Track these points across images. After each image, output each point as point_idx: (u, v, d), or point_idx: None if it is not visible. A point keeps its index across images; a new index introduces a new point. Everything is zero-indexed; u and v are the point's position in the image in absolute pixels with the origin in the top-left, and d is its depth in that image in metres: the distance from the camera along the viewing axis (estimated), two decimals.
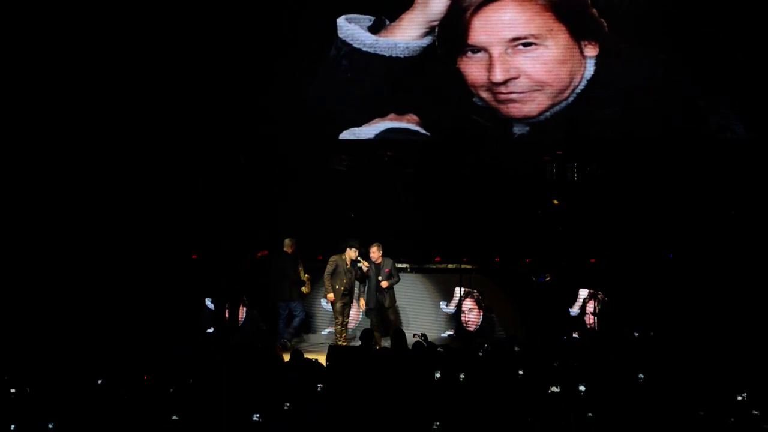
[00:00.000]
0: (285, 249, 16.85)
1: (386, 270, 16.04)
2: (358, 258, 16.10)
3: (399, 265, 16.72)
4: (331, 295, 15.95)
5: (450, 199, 18.90)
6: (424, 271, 17.38)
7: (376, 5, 20.26)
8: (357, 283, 16.35)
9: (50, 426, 9.03)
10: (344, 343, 15.81)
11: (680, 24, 18.75)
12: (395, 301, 16.31)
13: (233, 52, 19.41)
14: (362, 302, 16.40)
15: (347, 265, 15.99)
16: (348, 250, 16.09)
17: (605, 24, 19.62)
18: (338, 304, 15.97)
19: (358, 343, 14.37)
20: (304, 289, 16.84)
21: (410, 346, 13.12)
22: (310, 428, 8.74)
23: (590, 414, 9.53)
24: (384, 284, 15.97)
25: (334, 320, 16.32)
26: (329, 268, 15.98)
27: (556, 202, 15.78)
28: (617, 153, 19.21)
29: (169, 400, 10.18)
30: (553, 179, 18.92)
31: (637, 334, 14.89)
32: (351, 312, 16.76)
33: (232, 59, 19.33)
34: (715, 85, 19.06)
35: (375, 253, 16.13)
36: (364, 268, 16.10)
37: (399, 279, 16.30)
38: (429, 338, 15.67)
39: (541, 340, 14.95)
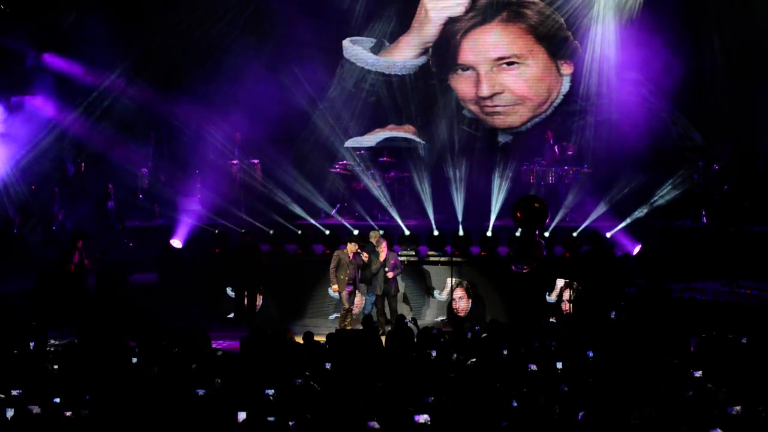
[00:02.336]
0: (371, 240, 16.50)
1: (391, 262, 15.96)
2: (358, 250, 15.99)
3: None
4: (335, 287, 15.81)
5: (444, 199, 18.95)
6: (420, 263, 17.31)
7: (377, 29, 20.36)
8: (360, 272, 16.25)
9: (88, 397, 9.03)
10: (350, 327, 15.75)
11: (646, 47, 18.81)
12: (399, 290, 16.27)
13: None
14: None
15: (349, 257, 15.88)
16: (348, 244, 15.97)
17: (579, 46, 19.65)
18: (344, 293, 15.87)
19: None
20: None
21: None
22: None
23: (565, 388, 9.49)
24: (390, 275, 15.89)
25: (341, 307, 16.19)
26: (333, 263, 15.84)
27: (537, 204, 15.68)
28: (592, 158, 19.25)
29: (193, 376, 10.15)
30: (533, 182, 18.93)
31: (613, 316, 14.84)
32: (356, 299, 16.71)
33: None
34: (675, 101, 19.11)
35: (382, 248, 16.03)
36: (365, 258, 16.02)
37: (402, 270, 16.24)
38: (425, 323, 15.65)
39: (523, 324, 14.88)
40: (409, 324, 13.38)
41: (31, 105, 18.80)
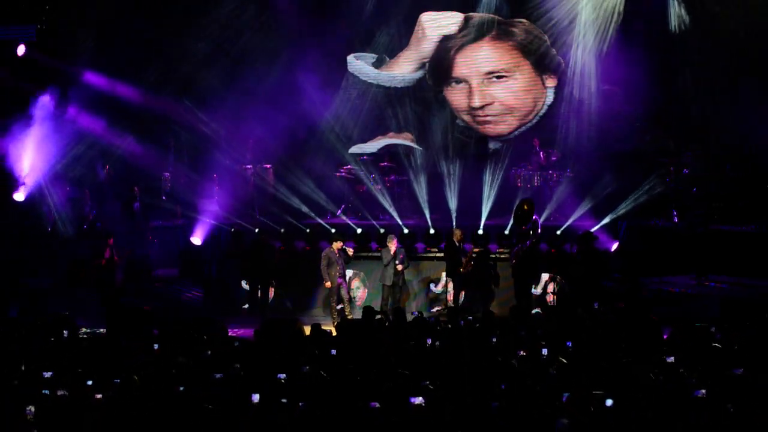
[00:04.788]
0: (454, 238, 16.42)
1: (401, 256, 15.96)
2: (344, 247, 15.97)
3: None
4: (328, 284, 15.71)
5: (439, 200, 18.98)
6: (418, 259, 17.31)
7: (379, 45, 20.41)
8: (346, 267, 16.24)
9: (116, 381, 9.04)
10: (349, 315, 15.67)
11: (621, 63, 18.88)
12: (405, 282, 16.28)
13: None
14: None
15: (337, 254, 15.81)
16: (334, 242, 15.91)
17: (562, 61, 19.68)
18: (334, 287, 15.79)
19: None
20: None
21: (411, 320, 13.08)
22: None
23: (553, 371, 9.47)
24: (399, 268, 15.87)
25: (329, 299, 16.07)
26: (324, 262, 15.74)
27: (526, 207, 15.69)
28: (574, 163, 19.25)
29: (209, 363, 10.15)
30: (520, 185, 18.94)
31: (596, 306, 14.82)
32: (359, 292, 16.74)
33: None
34: (649, 111, 19.13)
35: (392, 243, 16.03)
36: (350, 253, 16.02)
37: (409, 264, 16.21)
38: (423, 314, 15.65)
39: (512, 314, 14.86)
40: (416, 315, 13.38)
41: (68, 115, 18.80)
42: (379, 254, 16.34)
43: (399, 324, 12.65)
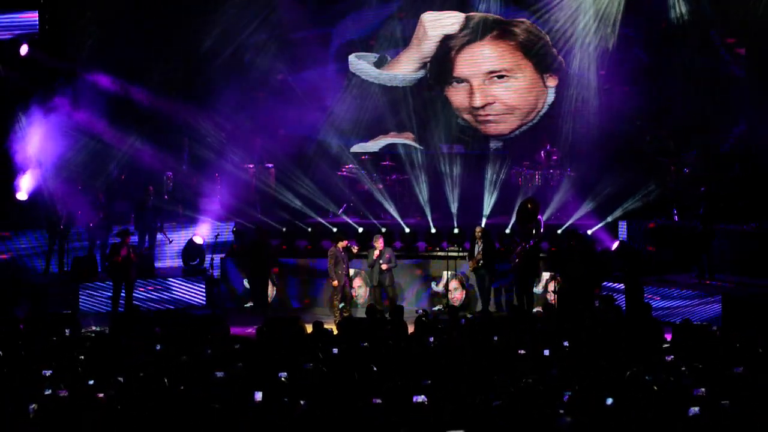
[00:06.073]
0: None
1: (387, 256, 15.92)
2: (348, 245, 15.97)
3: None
4: (335, 282, 15.71)
5: (440, 199, 18.98)
6: (419, 258, 17.30)
7: (380, 44, 20.38)
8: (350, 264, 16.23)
9: (120, 379, 9.03)
10: (347, 314, 15.62)
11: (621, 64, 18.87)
12: (394, 281, 16.22)
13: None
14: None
15: (342, 252, 15.80)
16: (338, 242, 15.91)
17: (563, 61, 19.66)
18: (339, 286, 15.78)
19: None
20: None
21: (414, 320, 13.05)
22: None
23: (554, 371, 9.44)
24: (384, 267, 15.84)
25: (333, 298, 16.09)
26: (331, 261, 15.72)
27: (530, 206, 15.67)
28: (575, 162, 19.23)
29: (211, 361, 10.14)
30: (521, 185, 18.92)
31: (597, 303, 14.80)
32: (360, 291, 16.72)
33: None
34: (649, 111, 19.11)
35: (378, 243, 16.00)
36: (354, 251, 16.03)
37: (396, 264, 16.15)
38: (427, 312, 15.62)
39: (513, 312, 14.85)
40: (420, 314, 13.37)
41: (76, 116, 18.73)
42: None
43: (398, 323, 12.63)
